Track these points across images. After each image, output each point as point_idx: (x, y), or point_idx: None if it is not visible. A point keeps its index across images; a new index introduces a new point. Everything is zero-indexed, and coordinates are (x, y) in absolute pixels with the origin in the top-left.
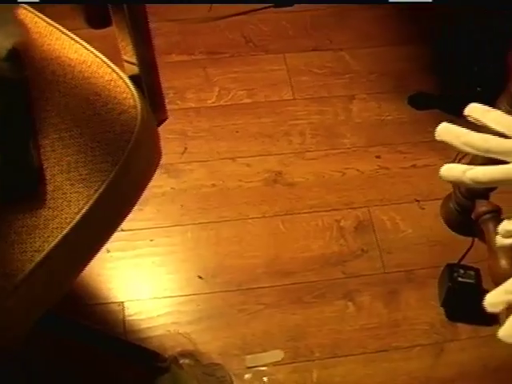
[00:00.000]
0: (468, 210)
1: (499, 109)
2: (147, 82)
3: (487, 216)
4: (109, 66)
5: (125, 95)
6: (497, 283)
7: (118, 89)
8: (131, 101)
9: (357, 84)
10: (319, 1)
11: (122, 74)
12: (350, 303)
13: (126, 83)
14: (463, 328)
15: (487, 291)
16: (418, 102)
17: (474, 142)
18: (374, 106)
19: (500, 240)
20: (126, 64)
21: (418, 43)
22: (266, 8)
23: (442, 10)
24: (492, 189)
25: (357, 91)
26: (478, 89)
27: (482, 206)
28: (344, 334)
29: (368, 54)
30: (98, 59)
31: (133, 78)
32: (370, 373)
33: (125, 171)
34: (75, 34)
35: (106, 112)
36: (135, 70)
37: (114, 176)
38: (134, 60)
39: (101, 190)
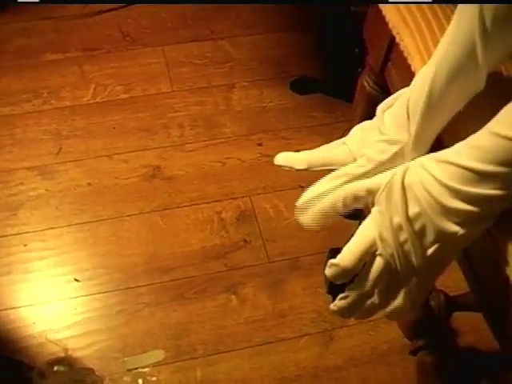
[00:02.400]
0: None
1: (362, 84)
2: None
3: None
4: None
5: None
6: None
7: None
8: None
9: (237, 72)
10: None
11: None
12: (233, 296)
13: None
14: None
15: None
16: (300, 86)
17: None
18: (256, 93)
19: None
20: None
21: (299, 29)
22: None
23: None
24: None
25: (237, 79)
26: (359, 69)
27: None
28: (228, 329)
29: (249, 41)
30: None
31: None
32: (255, 367)
33: None
34: None
35: None
36: None
37: None
38: None
39: None
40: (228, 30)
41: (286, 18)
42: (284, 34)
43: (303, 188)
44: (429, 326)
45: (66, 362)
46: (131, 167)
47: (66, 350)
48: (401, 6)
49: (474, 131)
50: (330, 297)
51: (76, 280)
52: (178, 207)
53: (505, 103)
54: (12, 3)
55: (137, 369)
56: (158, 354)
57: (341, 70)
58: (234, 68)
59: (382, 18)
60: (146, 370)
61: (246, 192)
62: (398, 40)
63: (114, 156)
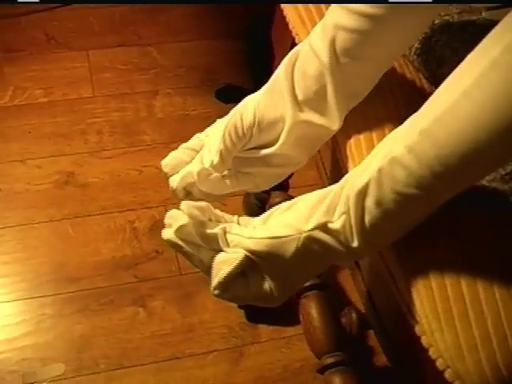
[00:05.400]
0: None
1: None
2: None
3: None
4: None
5: None
6: None
7: None
8: None
9: (162, 79)
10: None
11: None
12: (140, 309)
13: None
14: (264, 330)
15: None
16: (225, 95)
17: None
18: (179, 100)
19: None
20: None
21: (229, 37)
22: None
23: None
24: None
25: (162, 86)
26: None
27: (275, 198)
28: (133, 343)
29: (176, 48)
30: None
31: None
32: (160, 383)
33: None
34: None
35: None
36: None
37: None
38: None
39: None
40: (156, 36)
41: (216, 25)
42: (213, 42)
43: None
44: (337, 344)
45: None
46: (44, 173)
47: None
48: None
49: (367, 127)
50: (241, 311)
51: None
52: (89, 215)
53: (395, 99)
54: (12, 3)
55: (34, 383)
56: (58, 368)
57: (267, 79)
58: (159, 75)
59: (285, 19)
60: None
61: (162, 201)
62: (297, 41)
63: (27, 161)
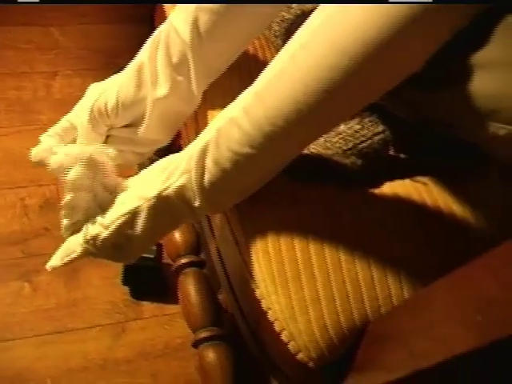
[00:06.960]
0: None
1: None
2: None
3: None
4: None
5: None
6: (171, 255)
7: None
8: None
9: (63, 60)
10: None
11: None
12: (26, 284)
13: None
14: (148, 307)
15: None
16: None
17: None
18: (79, 82)
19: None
20: None
21: (135, 21)
22: None
23: None
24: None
25: (62, 68)
26: None
27: None
28: (17, 317)
29: (79, 30)
30: None
31: None
32: (41, 356)
33: None
34: None
35: None
36: None
37: None
38: None
39: None
40: (60, 17)
41: (121, 9)
42: (118, 26)
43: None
44: (213, 320)
45: None
46: None
47: None
48: None
49: (224, 101)
50: (126, 288)
51: None
52: None
53: (252, 75)
54: (12, 3)
55: None
56: None
57: None
58: (59, 56)
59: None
60: None
61: (53, 180)
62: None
63: None
